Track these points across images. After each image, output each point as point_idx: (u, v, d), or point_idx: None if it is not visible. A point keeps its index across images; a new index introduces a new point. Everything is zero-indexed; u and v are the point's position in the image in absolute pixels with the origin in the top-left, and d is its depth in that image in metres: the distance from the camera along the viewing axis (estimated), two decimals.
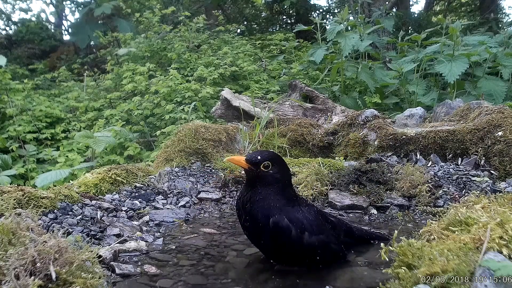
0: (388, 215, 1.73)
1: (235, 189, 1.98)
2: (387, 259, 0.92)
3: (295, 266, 1.13)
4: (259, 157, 1.14)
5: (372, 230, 1.44)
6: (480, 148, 2.06)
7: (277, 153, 1.28)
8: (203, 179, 2.05)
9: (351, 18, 6.67)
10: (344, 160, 2.21)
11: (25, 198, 1.35)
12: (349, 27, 4.87)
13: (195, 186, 1.96)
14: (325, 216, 1.24)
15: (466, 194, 1.72)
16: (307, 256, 1.11)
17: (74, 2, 11.58)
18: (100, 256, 1.10)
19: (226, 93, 3.26)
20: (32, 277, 0.79)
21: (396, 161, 2.18)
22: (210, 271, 1.14)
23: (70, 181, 1.80)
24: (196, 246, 1.33)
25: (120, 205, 1.62)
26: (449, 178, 1.90)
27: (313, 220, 1.14)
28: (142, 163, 3.77)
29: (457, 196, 1.75)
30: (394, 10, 8.60)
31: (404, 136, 2.25)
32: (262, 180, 1.14)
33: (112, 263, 1.12)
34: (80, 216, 1.43)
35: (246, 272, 1.15)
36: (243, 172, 2.07)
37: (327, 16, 11.01)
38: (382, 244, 0.94)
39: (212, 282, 1.08)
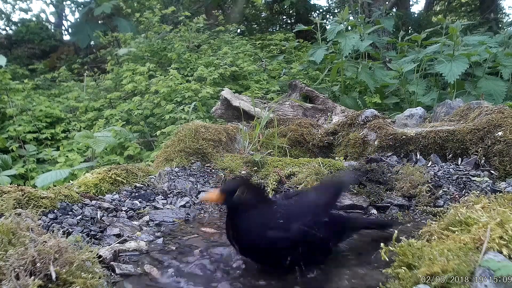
0: (388, 215, 1.73)
1: None
2: (387, 259, 0.92)
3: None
4: (227, 187, 1.12)
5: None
6: (480, 148, 2.06)
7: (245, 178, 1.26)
8: (203, 179, 2.05)
9: (351, 18, 6.67)
10: (344, 160, 2.21)
11: (25, 198, 1.35)
12: (349, 27, 4.87)
13: (195, 186, 1.96)
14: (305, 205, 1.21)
15: (466, 194, 1.72)
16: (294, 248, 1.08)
17: (74, 2, 11.56)
18: (100, 256, 1.10)
19: (226, 93, 3.26)
20: (32, 277, 0.79)
21: (396, 161, 2.18)
22: (210, 271, 1.14)
23: (70, 181, 1.80)
24: (196, 246, 1.33)
25: (120, 205, 1.62)
26: (449, 178, 1.90)
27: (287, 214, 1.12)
28: (142, 163, 3.78)
29: (457, 196, 1.75)
30: (394, 10, 8.59)
31: (404, 136, 2.25)
32: (236, 207, 1.11)
33: (112, 263, 1.12)
34: (80, 216, 1.43)
35: (247, 273, 1.15)
36: (243, 172, 2.07)
37: (327, 16, 11.01)
38: (382, 244, 0.94)
39: (212, 282, 1.08)
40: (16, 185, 1.42)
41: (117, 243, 1.27)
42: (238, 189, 1.10)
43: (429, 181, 1.85)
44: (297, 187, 1.89)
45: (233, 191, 1.10)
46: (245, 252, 1.14)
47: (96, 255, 0.99)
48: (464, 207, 1.07)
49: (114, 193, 1.73)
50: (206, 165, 2.21)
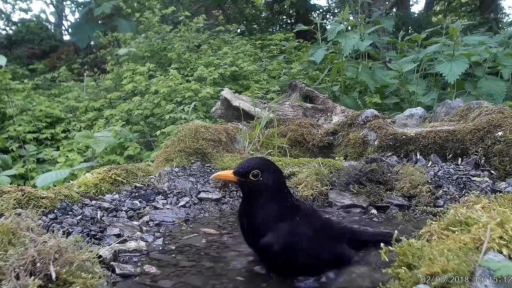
0: (388, 215, 1.73)
1: (235, 189, 1.98)
2: (387, 259, 0.92)
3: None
4: (246, 167, 1.08)
5: (378, 230, 1.42)
6: (480, 148, 2.06)
7: (268, 158, 1.21)
8: (203, 179, 2.04)
9: (351, 18, 6.68)
10: (344, 160, 2.21)
11: (25, 198, 1.35)
12: (349, 27, 4.87)
13: (195, 186, 1.96)
14: (327, 223, 1.22)
15: (466, 194, 1.72)
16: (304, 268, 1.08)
17: (74, 2, 11.57)
18: (100, 256, 1.10)
19: (226, 93, 3.26)
20: (32, 277, 0.79)
21: (396, 161, 2.18)
22: (210, 272, 1.14)
23: (70, 181, 1.80)
24: (196, 246, 1.33)
25: (120, 205, 1.62)
26: (449, 178, 1.90)
27: (310, 234, 1.09)
28: (142, 163, 3.77)
29: (457, 196, 1.75)
30: (394, 10, 8.59)
31: (404, 136, 2.25)
32: (253, 191, 1.09)
33: (112, 263, 1.12)
34: (80, 216, 1.43)
35: (246, 273, 1.15)
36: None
37: (327, 16, 11.01)
38: (382, 244, 0.94)
39: (212, 282, 1.08)
40: (16, 185, 1.42)
41: (117, 243, 1.27)
42: (252, 172, 1.06)
43: (429, 181, 1.85)
44: (297, 187, 1.89)
45: (247, 174, 1.06)
46: (262, 251, 1.09)
47: (96, 255, 0.99)
48: (464, 207, 1.07)
49: (114, 193, 1.72)
50: (206, 165, 2.21)
